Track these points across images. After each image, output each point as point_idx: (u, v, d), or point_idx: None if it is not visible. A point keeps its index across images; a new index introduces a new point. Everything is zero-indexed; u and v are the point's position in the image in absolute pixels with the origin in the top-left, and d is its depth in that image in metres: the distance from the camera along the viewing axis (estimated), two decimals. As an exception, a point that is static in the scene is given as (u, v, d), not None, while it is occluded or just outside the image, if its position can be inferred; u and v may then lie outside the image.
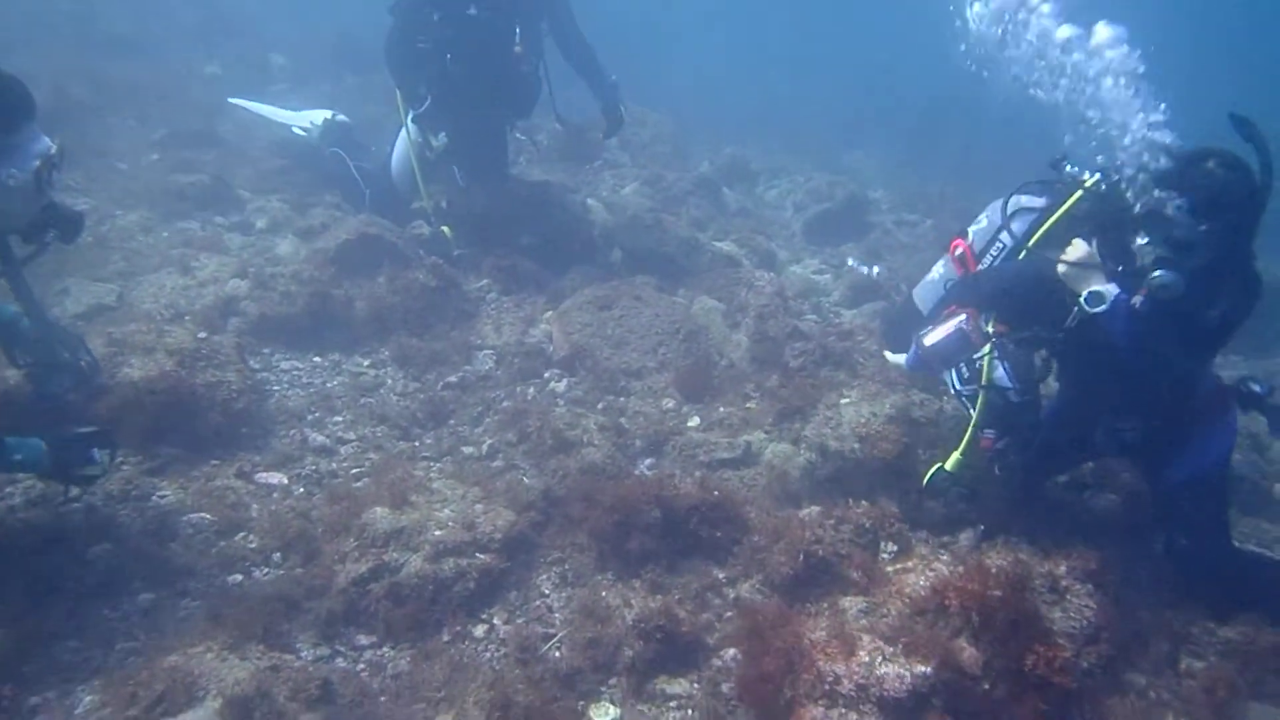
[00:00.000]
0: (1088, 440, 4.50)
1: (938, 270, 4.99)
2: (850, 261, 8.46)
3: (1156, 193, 3.89)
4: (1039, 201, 4.52)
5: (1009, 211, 4.55)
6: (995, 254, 4.58)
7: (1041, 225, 4.40)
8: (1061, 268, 4.20)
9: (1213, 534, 4.24)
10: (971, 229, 4.75)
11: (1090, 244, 4.23)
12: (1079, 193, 4.31)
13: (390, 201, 7.93)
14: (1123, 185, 4.06)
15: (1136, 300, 3.96)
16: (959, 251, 4.72)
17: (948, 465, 4.53)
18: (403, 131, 7.62)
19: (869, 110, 18.98)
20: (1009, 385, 4.40)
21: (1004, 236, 4.55)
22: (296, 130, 9.03)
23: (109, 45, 12.21)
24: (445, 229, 7.49)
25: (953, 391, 4.67)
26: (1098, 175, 4.30)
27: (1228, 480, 4.42)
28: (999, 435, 4.44)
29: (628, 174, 10.82)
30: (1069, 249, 4.25)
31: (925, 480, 4.52)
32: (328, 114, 8.89)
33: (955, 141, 16.61)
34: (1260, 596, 4.15)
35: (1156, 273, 3.86)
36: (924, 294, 5.06)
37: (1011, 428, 4.43)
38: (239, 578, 4.18)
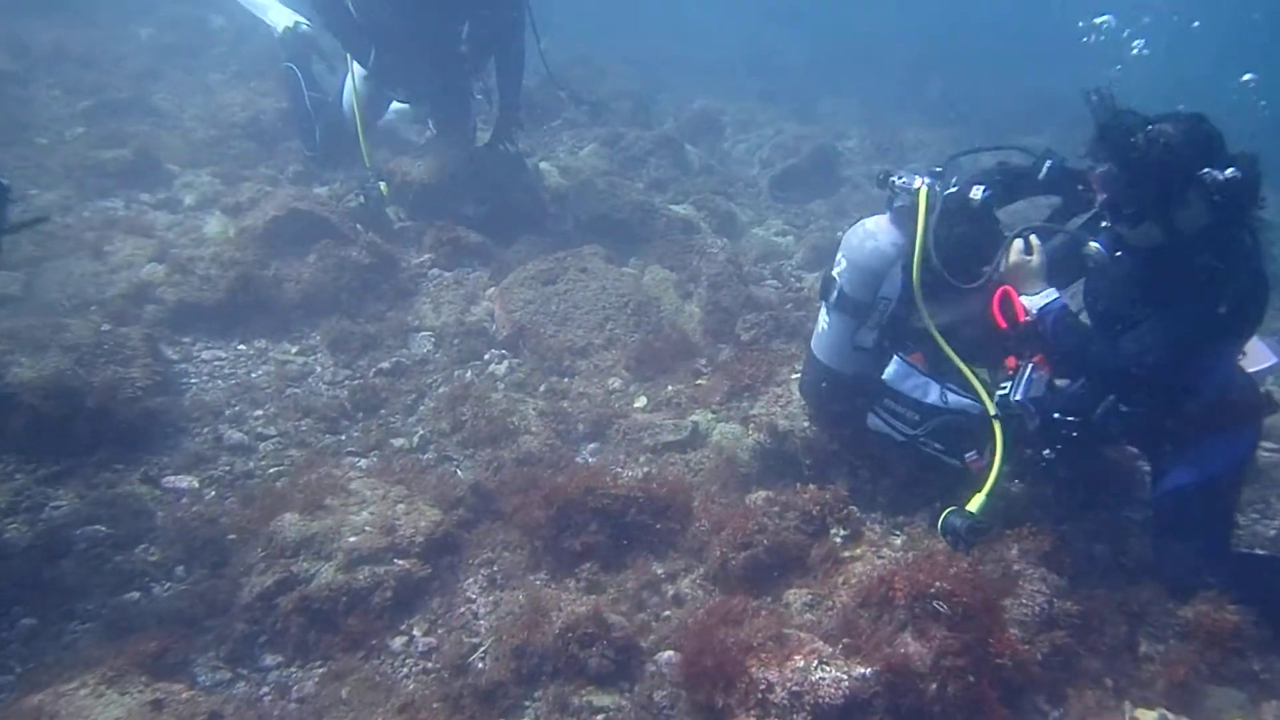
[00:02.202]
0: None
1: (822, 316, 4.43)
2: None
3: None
4: (885, 228, 4.17)
5: (864, 245, 4.18)
6: (880, 313, 4.15)
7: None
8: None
9: (1208, 542, 3.94)
10: (835, 271, 4.27)
11: (1022, 243, 4.00)
12: (925, 203, 3.95)
13: (341, 139, 7.58)
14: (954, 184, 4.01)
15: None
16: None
17: (972, 507, 3.88)
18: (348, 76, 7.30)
19: (854, 52, 18.46)
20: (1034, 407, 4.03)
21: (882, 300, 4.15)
22: (267, 22, 8.54)
23: (36, 6, 11.53)
24: (382, 185, 7.06)
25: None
26: (926, 181, 4.01)
27: (1236, 489, 4.09)
28: (1041, 446, 4.08)
29: (587, 134, 10.40)
30: (1010, 253, 4.00)
31: (941, 523, 3.98)
32: (290, 21, 8.25)
33: (937, 85, 16.27)
34: (1254, 599, 3.85)
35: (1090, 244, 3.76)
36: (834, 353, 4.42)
37: (1055, 438, 4.07)
38: (136, 596, 3.87)
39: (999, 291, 4.01)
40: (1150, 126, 3.55)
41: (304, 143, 8.14)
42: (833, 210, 9.63)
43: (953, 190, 4.04)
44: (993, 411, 3.90)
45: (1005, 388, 3.92)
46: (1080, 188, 4.14)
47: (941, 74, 16.71)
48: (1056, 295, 3.92)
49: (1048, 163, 4.17)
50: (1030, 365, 3.93)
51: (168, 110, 9.29)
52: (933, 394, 4.11)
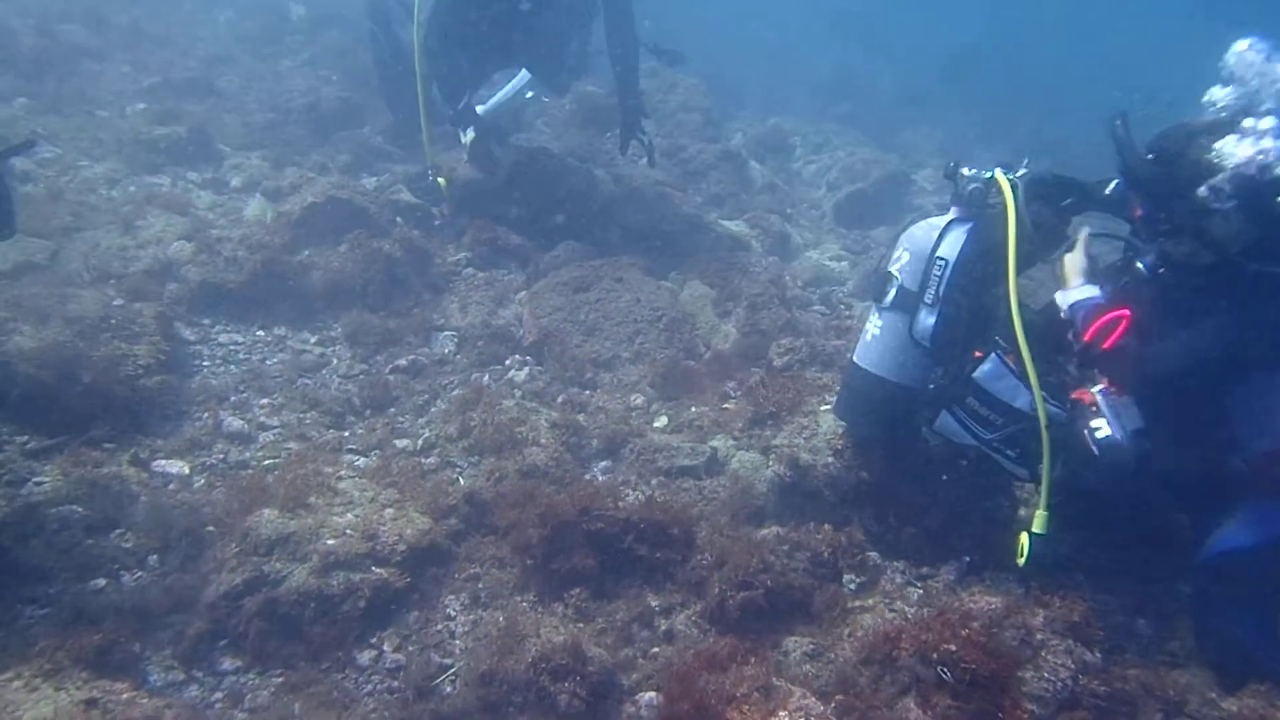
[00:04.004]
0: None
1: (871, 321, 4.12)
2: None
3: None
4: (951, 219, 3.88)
5: (923, 234, 3.89)
6: (937, 280, 3.83)
7: (1003, 236, 3.66)
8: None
9: (1262, 620, 3.53)
10: (894, 267, 3.97)
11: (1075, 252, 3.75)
12: (1010, 191, 3.66)
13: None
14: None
15: None
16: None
17: (1036, 528, 3.68)
18: None
19: (945, 81, 18.01)
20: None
21: (938, 261, 3.84)
22: None
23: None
24: (441, 180, 6.97)
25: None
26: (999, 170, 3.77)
27: None
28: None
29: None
30: (1067, 262, 3.71)
31: (1024, 557, 3.73)
32: None
33: (1032, 118, 15.75)
34: None
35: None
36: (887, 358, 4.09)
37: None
38: (101, 583, 3.71)
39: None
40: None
41: (389, 105, 8.11)
42: (894, 240, 9.23)
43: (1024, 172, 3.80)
44: (1044, 421, 3.58)
45: (1100, 426, 3.56)
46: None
47: (1036, 111, 16.18)
48: (1096, 293, 3.62)
49: (1114, 180, 3.86)
50: (1102, 393, 3.60)
51: (231, 92, 9.32)
52: (1022, 399, 3.75)
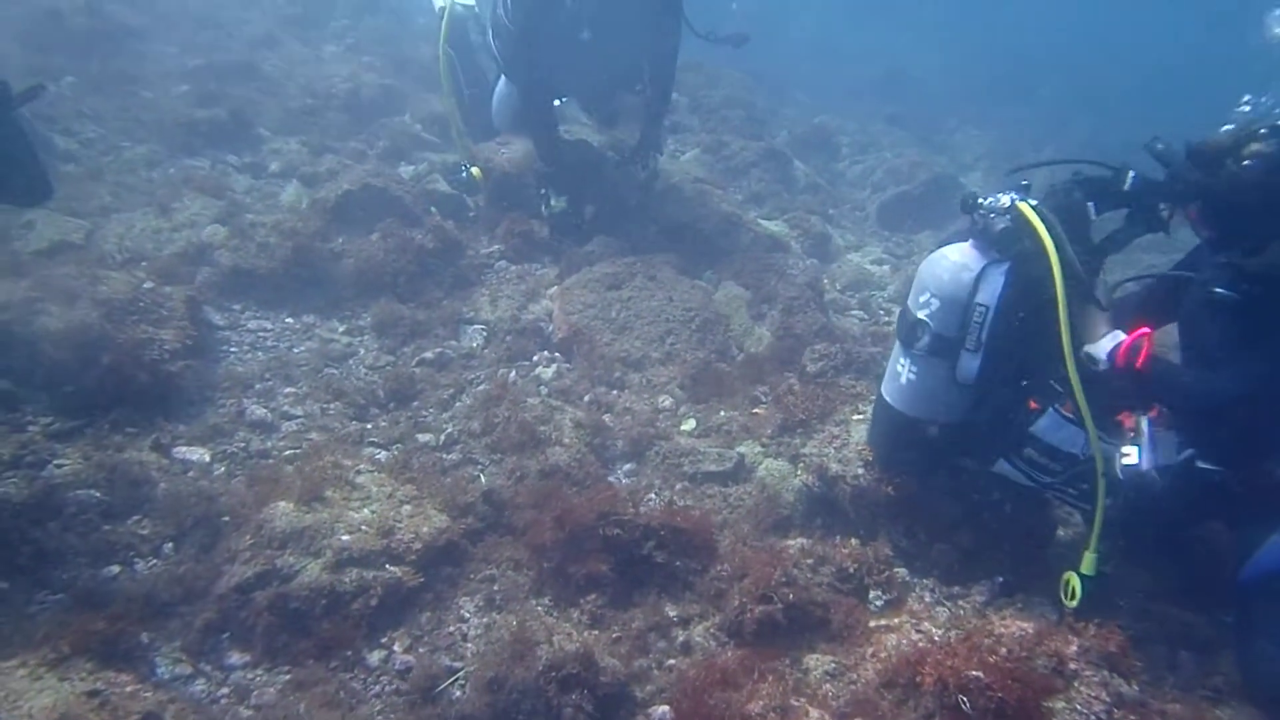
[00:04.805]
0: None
1: (904, 365, 3.90)
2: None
3: None
4: (975, 256, 3.65)
5: (959, 278, 3.65)
6: (978, 326, 3.60)
7: (1043, 273, 3.48)
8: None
9: None
10: (922, 314, 3.73)
11: None
12: (1037, 219, 3.46)
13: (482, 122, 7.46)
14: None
15: None
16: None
17: (1085, 569, 3.59)
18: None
19: (1001, 84, 17.68)
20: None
21: (978, 307, 3.61)
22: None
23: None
24: (476, 171, 6.91)
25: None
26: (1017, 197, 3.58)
27: None
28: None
29: (691, 139, 10.06)
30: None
31: (1075, 599, 3.60)
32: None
33: (1087, 122, 15.42)
34: None
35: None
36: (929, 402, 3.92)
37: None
38: (115, 570, 3.68)
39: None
40: (1241, 149, 3.21)
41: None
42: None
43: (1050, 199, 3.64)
44: (1101, 469, 3.46)
45: (1130, 454, 3.50)
46: (1162, 207, 3.69)
47: (1092, 113, 15.84)
48: (1122, 336, 3.49)
49: (1131, 174, 3.70)
50: (1148, 422, 3.52)
51: (274, 76, 9.32)
52: (1080, 444, 3.63)
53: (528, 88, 6.60)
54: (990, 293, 3.56)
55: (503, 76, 7.16)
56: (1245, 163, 3.22)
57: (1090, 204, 3.66)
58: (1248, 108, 3.42)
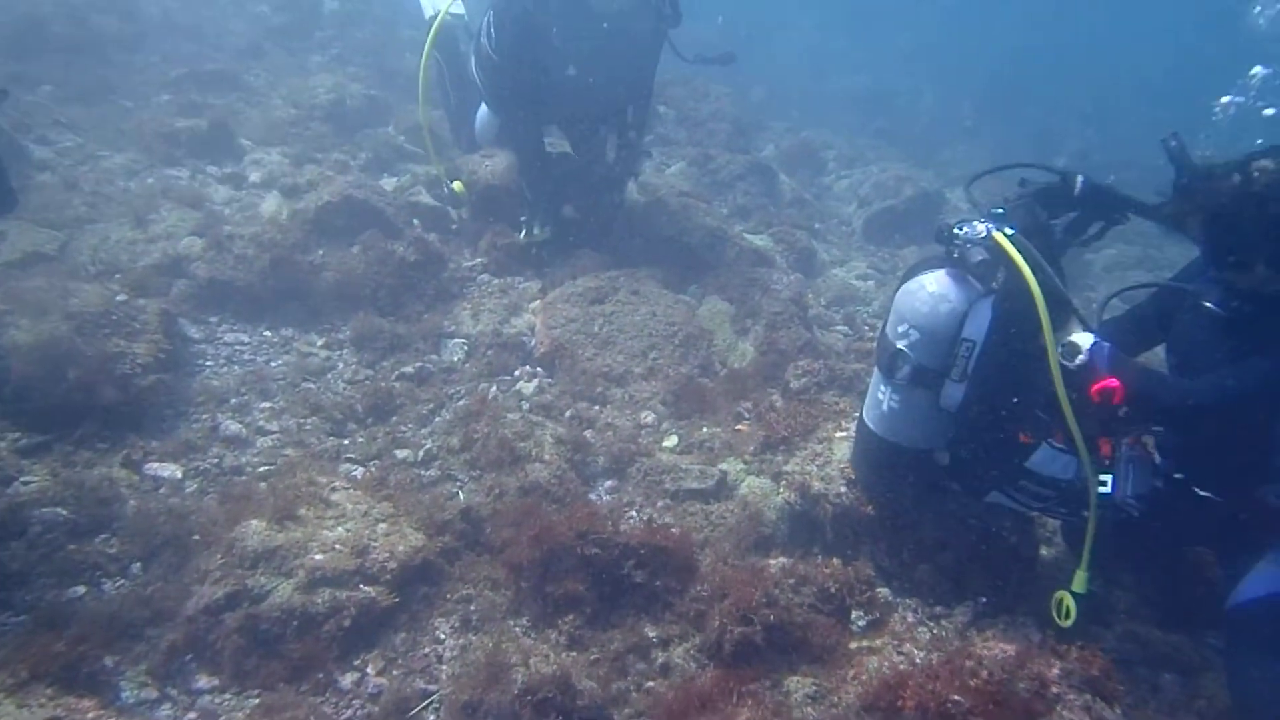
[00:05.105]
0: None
1: (885, 393, 3.83)
2: None
3: None
4: (952, 287, 3.60)
5: (938, 310, 3.59)
6: (964, 359, 3.53)
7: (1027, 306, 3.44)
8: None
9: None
10: (901, 344, 3.66)
11: None
12: (1013, 247, 3.40)
13: (467, 131, 7.40)
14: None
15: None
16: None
17: (1077, 587, 3.57)
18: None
19: (994, 101, 17.73)
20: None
21: (965, 343, 3.55)
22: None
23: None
24: (457, 184, 6.88)
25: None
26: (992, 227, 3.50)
27: None
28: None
29: (677, 152, 10.03)
30: None
31: (1069, 619, 3.56)
32: (444, 7, 7.51)
33: (1075, 143, 15.51)
34: None
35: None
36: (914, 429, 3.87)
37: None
38: (81, 590, 3.60)
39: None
40: (1251, 164, 3.15)
41: (454, 134, 7.93)
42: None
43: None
44: (1093, 491, 3.45)
45: (1106, 482, 3.44)
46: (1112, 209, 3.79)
47: (1081, 132, 15.93)
48: (1095, 339, 3.42)
49: (1080, 178, 3.75)
50: (1126, 449, 3.45)
51: (258, 87, 9.25)
52: (1073, 469, 3.59)
53: (511, 120, 6.57)
54: (978, 328, 3.50)
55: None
56: (1253, 175, 3.17)
57: (1054, 224, 3.69)
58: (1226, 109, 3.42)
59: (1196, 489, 3.47)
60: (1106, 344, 3.41)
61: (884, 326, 3.84)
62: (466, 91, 7.43)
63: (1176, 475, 3.49)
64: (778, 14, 21.27)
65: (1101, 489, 3.42)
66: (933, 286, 3.64)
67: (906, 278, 3.82)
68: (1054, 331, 3.37)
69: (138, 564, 3.77)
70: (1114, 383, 3.27)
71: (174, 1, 10.64)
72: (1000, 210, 3.63)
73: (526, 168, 6.58)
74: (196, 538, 3.84)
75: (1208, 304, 3.40)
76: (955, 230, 3.56)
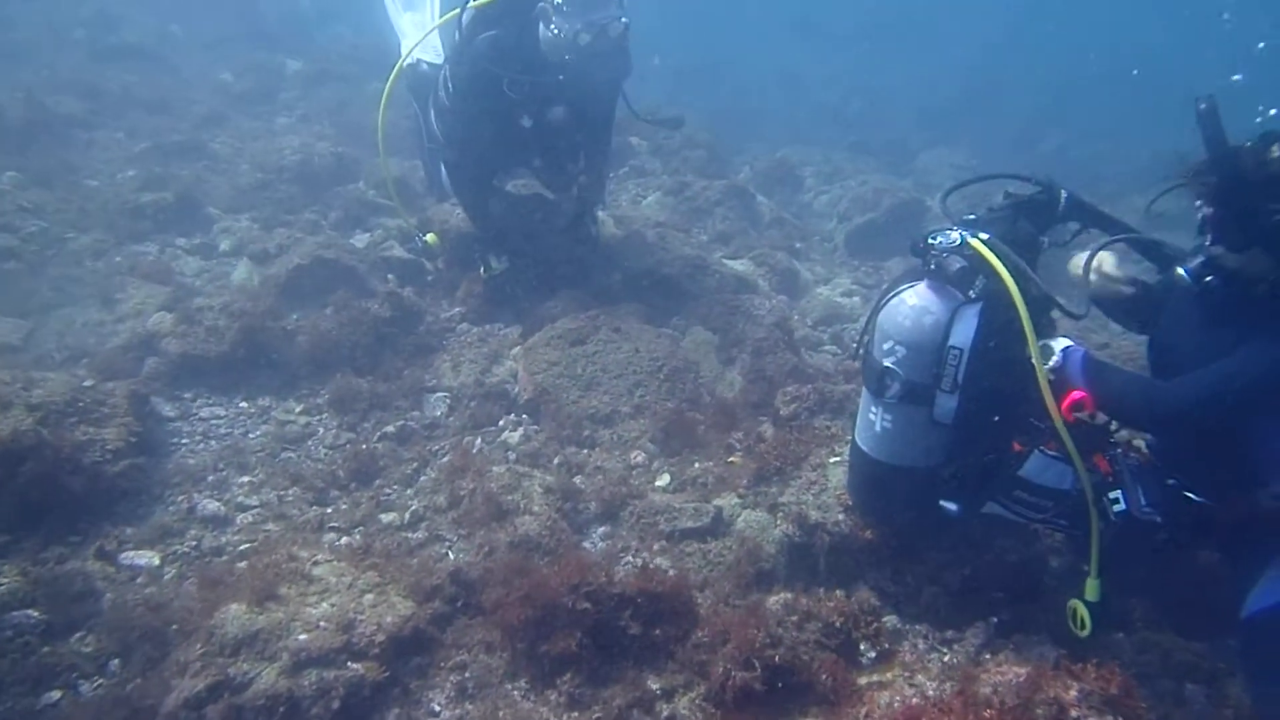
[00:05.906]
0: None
1: (876, 414, 3.73)
2: None
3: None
4: (933, 298, 3.52)
5: (922, 323, 3.51)
6: (953, 369, 3.45)
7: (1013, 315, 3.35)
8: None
9: None
10: (888, 361, 3.57)
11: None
12: (994, 257, 3.33)
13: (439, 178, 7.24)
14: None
15: None
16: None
17: (1090, 595, 3.45)
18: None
19: (969, 102, 17.75)
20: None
21: (952, 351, 3.47)
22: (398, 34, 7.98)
23: (120, 54, 11.73)
24: (430, 236, 6.81)
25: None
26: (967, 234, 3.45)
27: None
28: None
29: (653, 182, 9.97)
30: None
31: (1086, 629, 3.44)
32: (404, 57, 7.22)
33: (1053, 141, 15.52)
34: None
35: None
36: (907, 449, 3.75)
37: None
38: (56, 696, 3.45)
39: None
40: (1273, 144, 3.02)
41: (428, 180, 7.77)
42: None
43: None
44: (1091, 498, 3.34)
45: (1118, 499, 3.32)
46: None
47: (1061, 128, 15.94)
48: (1070, 343, 3.40)
49: (1064, 193, 3.76)
50: (1124, 460, 3.36)
51: (224, 154, 9.18)
52: (1069, 480, 3.51)
53: (459, 164, 6.51)
54: (964, 335, 3.41)
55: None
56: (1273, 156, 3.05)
57: (1042, 238, 3.64)
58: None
59: (1189, 494, 3.35)
60: (1080, 349, 3.34)
61: (869, 347, 3.74)
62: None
63: (1169, 481, 3.36)
64: (732, 47, 21.37)
65: (1116, 506, 3.30)
66: (913, 300, 3.56)
67: (884, 296, 3.74)
68: (1039, 335, 3.30)
69: (116, 660, 3.62)
70: (1079, 394, 3.22)
71: (134, 76, 10.59)
72: (972, 216, 3.55)
73: (470, 204, 6.57)
74: (175, 627, 3.69)
75: (1181, 270, 3.29)
76: (930, 241, 3.48)
